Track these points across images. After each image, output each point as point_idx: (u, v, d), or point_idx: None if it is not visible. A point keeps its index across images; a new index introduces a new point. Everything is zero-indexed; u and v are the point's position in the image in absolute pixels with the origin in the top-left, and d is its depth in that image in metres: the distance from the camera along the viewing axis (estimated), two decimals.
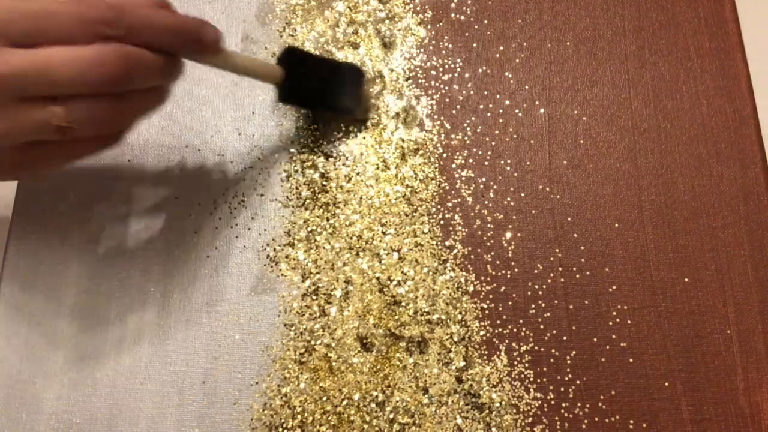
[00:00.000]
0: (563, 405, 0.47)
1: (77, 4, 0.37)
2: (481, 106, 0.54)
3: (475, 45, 0.56)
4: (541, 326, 0.49)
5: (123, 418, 0.47)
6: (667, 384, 0.47)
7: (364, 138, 0.53)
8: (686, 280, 0.50)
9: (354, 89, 0.54)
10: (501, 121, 0.54)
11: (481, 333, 0.49)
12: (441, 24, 0.57)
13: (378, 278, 0.50)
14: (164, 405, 0.48)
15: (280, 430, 0.47)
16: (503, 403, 0.47)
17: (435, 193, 0.52)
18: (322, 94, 0.52)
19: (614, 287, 0.50)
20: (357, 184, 0.52)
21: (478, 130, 0.54)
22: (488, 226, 0.51)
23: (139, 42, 0.38)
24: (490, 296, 0.50)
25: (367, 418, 0.47)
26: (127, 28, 0.38)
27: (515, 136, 0.53)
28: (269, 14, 0.57)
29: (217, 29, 0.43)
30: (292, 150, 0.53)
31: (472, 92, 0.55)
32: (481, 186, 0.52)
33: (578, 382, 0.48)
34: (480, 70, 0.55)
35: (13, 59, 0.35)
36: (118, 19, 0.37)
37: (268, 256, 0.51)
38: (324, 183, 0.52)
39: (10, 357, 0.49)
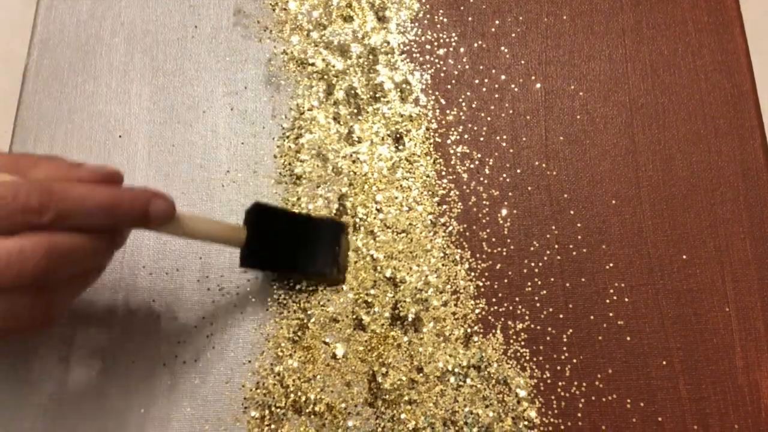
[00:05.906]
0: (560, 384, 0.47)
1: (1, 191, 0.34)
2: (477, 81, 0.53)
3: (470, 19, 0.55)
4: (538, 304, 0.48)
5: (114, 397, 0.47)
6: (665, 362, 0.47)
7: (359, 117, 0.53)
8: (684, 257, 0.49)
9: (330, 249, 0.48)
10: (497, 96, 0.53)
11: (477, 311, 0.48)
12: None
13: (372, 256, 0.49)
14: (156, 384, 0.47)
15: (273, 409, 0.46)
16: (499, 381, 0.47)
17: (430, 169, 0.51)
18: (292, 257, 0.48)
19: (611, 264, 0.49)
20: (351, 160, 0.52)
21: (474, 106, 0.53)
22: (484, 202, 0.50)
23: (71, 226, 0.36)
24: (486, 274, 0.49)
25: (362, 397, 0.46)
26: (56, 215, 0.35)
27: (511, 111, 0.53)
28: None
29: (168, 199, 0.40)
30: (285, 125, 0.53)
31: (467, 67, 0.54)
32: (477, 162, 0.51)
33: (575, 360, 0.47)
34: (475, 45, 0.54)
35: None
36: (44, 207, 0.34)
37: None
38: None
39: None
